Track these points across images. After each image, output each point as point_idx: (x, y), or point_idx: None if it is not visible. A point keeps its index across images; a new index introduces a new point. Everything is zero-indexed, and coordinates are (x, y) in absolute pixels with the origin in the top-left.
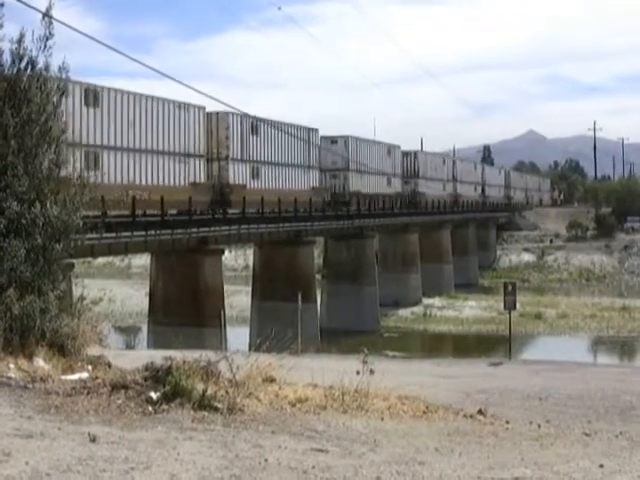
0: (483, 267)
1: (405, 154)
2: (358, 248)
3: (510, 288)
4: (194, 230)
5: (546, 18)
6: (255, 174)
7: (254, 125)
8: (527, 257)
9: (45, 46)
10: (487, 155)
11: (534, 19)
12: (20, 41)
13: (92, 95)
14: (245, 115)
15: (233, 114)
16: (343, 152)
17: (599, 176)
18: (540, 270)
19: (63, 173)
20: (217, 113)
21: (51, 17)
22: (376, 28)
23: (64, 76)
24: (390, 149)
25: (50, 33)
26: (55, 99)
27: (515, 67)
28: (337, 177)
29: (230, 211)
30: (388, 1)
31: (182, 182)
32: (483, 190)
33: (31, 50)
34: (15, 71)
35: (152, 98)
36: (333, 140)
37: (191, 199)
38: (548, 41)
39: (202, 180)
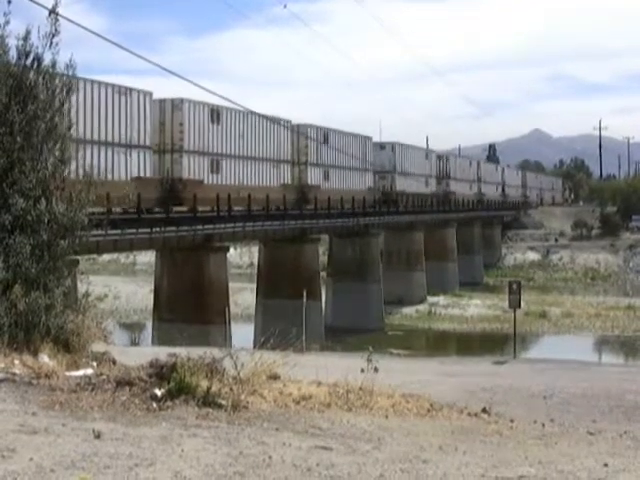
0: (488, 265)
1: (439, 157)
2: (363, 246)
3: (515, 287)
4: (199, 227)
5: (551, 16)
6: (326, 176)
7: (326, 135)
8: (532, 256)
9: (51, 43)
10: (492, 154)
11: (539, 17)
12: (26, 38)
13: (216, 113)
14: (320, 127)
15: (310, 126)
16: (390, 156)
17: (604, 175)
18: (545, 269)
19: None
20: (298, 125)
21: (57, 14)
22: (381, 26)
23: (71, 73)
24: (427, 153)
25: (56, 30)
26: (61, 96)
27: (521, 65)
28: (385, 178)
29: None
30: None
31: (276, 183)
32: (503, 190)
33: (37, 47)
34: (21, 67)
35: (253, 114)
36: (382, 146)
37: (285, 197)
38: (553, 39)
39: (289, 182)
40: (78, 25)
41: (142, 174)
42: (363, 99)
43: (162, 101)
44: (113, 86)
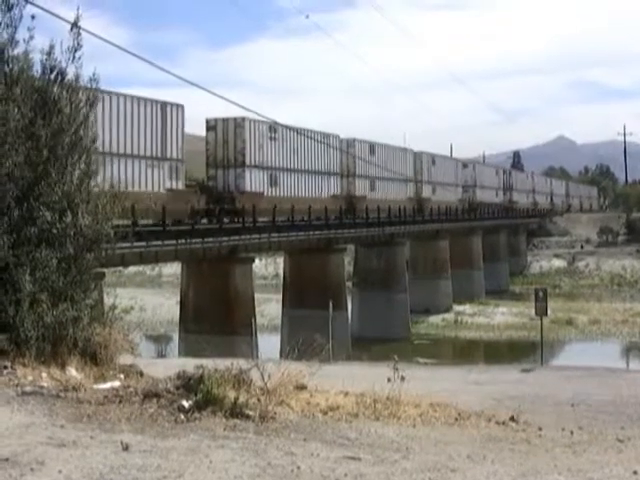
0: (514, 273)
1: (504, 172)
2: (388, 255)
3: (541, 294)
4: (224, 239)
5: (572, 22)
6: (434, 191)
7: (434, 159)
8: (558, 263)
9: (74, 57)
10: (517, 161)
11: (561, 24)
12: (50, 53)
13: (372, 148)
14: (434, 155)
15: (425, 153)
16: (471, 173)
17: (630, 180)
18: (571, 276)
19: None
20: (422, 152)
21: (80, 28)
22: (403, 34)
23: (94, 86)
24: (497, 170)
25: (79, 44)
26: (85, 109)
27: (544, 72)
28: (468, 191)
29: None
30: (415, 7)
31: (404, 196)
32: (551, 198)
33: (60, 61)
34: (46, 82)
35: (393, 148)
36: (465, 165)
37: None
38: (576, 46)
39: (410, 196)
40: (100, 38)
41: (335, 192)
42: (385, 107)
43: (341, 140)
44: (319, 133)
